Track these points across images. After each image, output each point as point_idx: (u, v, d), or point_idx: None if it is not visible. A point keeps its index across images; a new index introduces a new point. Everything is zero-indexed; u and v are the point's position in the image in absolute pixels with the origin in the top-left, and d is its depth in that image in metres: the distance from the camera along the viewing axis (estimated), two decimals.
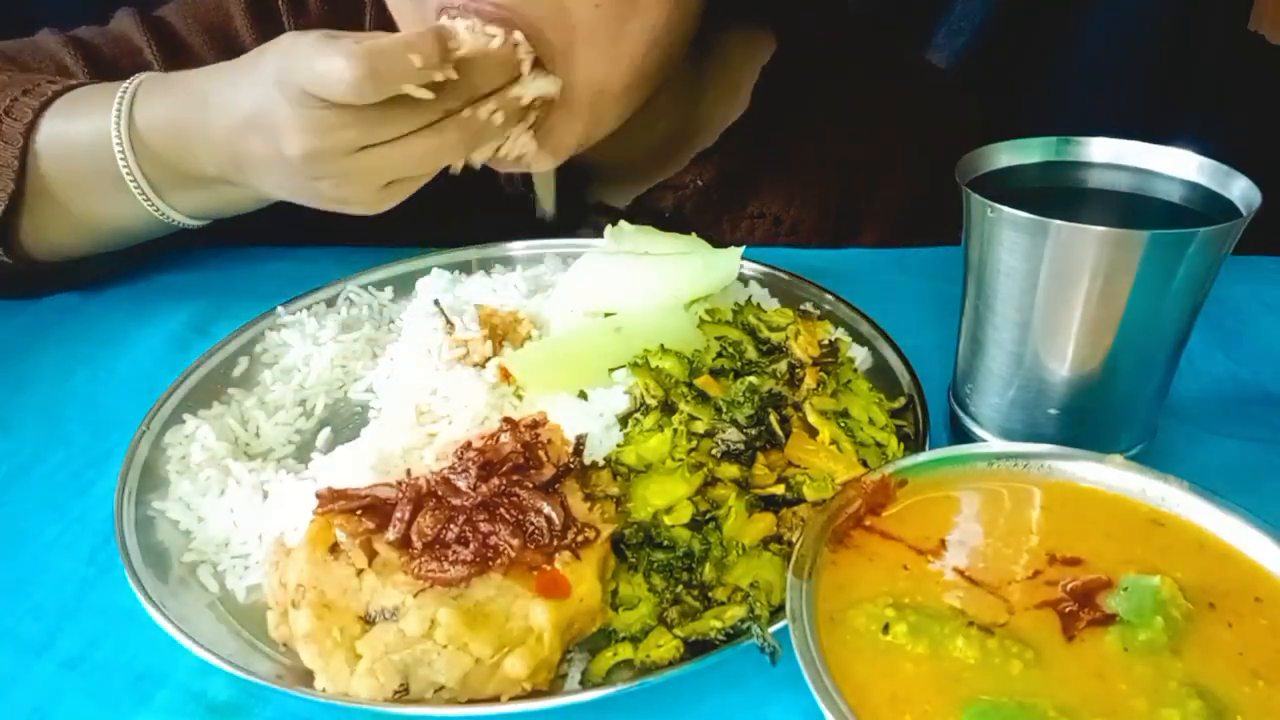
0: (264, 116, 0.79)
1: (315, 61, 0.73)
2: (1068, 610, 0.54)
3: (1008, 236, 0.66)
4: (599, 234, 1.16)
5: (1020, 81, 1.68)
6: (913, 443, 0.75)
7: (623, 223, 0.94)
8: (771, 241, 1.14)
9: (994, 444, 0.72)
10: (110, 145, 0.89)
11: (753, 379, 0.74)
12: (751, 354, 0.78)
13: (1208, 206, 0.68)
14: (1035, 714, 0.48)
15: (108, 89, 0.92)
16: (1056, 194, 0.73)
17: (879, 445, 0.73)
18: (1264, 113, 1.52)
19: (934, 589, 0.56)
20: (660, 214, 1.13)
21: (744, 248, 0.86)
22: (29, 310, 1.04)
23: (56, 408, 0.90)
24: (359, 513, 0.62)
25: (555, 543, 0.60)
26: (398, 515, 0.61)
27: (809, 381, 0.74)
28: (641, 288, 0.83)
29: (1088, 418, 0.71)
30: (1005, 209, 0.65)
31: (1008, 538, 0.60)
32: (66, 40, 1.09)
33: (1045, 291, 0.66)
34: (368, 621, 0.57)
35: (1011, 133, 0.74)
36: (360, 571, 0.59)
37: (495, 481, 0.62)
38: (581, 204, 1.17)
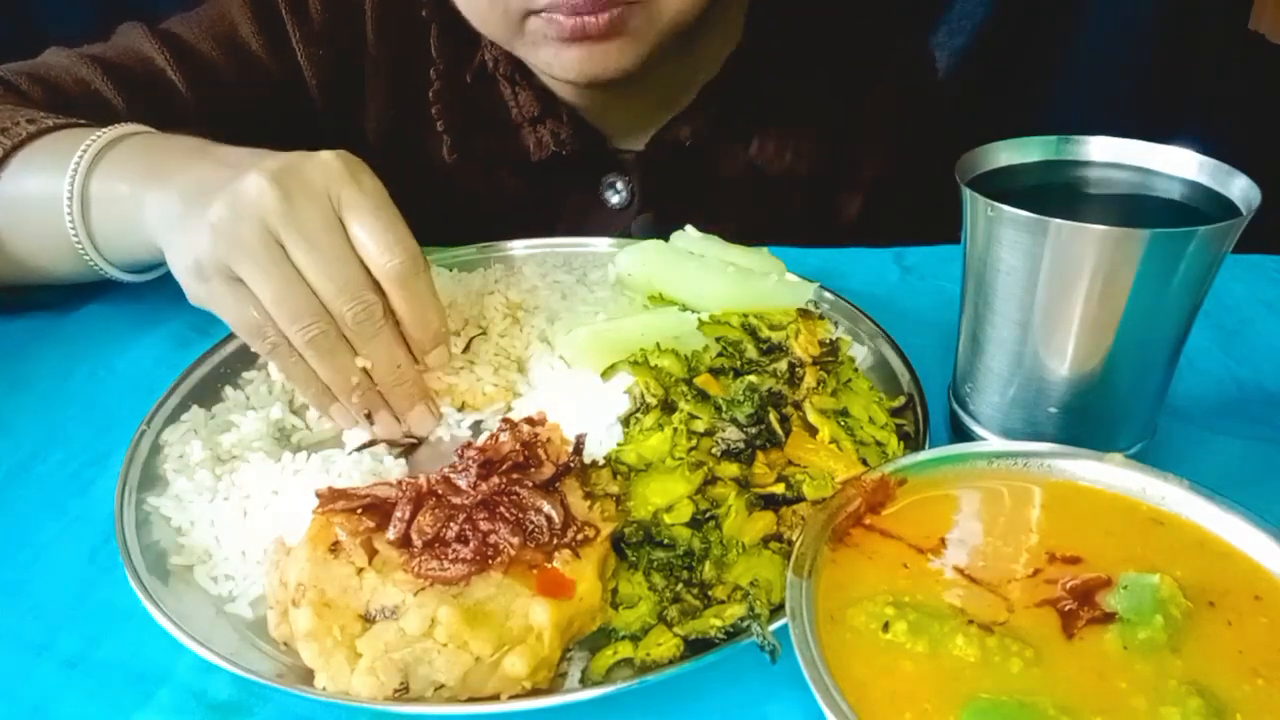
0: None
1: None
2: (1067, 608, 0.54)
3: (1008, 235, 0.66)
4: (621, 174, 1.19)
5: (1020, 81, 1.68)
6: (913, 441, 0.75)
7: (689, 228, 0.95)
8: (780, 164, 1.18)
9: (994, 443, 0.72)
10: (61, 205, 0.87)
11: (753, 378, 0.74)
12: (751, 353, 0.78)
13: (1207, 205, 0.68)
14: (1035, 712, 0.48)
15: (77, 137, 0.89)
16: (1056, 193, 0.73)
17: (879, 444, 0.73)
18: (1264, 113, 1.52)
19: (934, 587, 0.56)
20: (680, 145, 1.15)
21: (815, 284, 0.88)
22: (29, 310, 1.04)
23: (56, 407, 0.89)
24: (359, 511, 0.62)
25: (555, 541, 0.60)
26: (398, 514, 0.61)
27: (809, 380, 0.74)
28: (712, 291, 0.85)
29: (1088, 416, 0.71)
30: (1005, 208, 0.65)
31: (1007, 536, 0.60)
32: (82, 56, 1.07)
33: (1045, 290, 0.66)
34: (368, 620, 0.57)
35: (1011, 132, 0.74)
36: (360, 570, 0.59)
37: (495, 480, 0.62)
38: (601, 152, 1.19)
